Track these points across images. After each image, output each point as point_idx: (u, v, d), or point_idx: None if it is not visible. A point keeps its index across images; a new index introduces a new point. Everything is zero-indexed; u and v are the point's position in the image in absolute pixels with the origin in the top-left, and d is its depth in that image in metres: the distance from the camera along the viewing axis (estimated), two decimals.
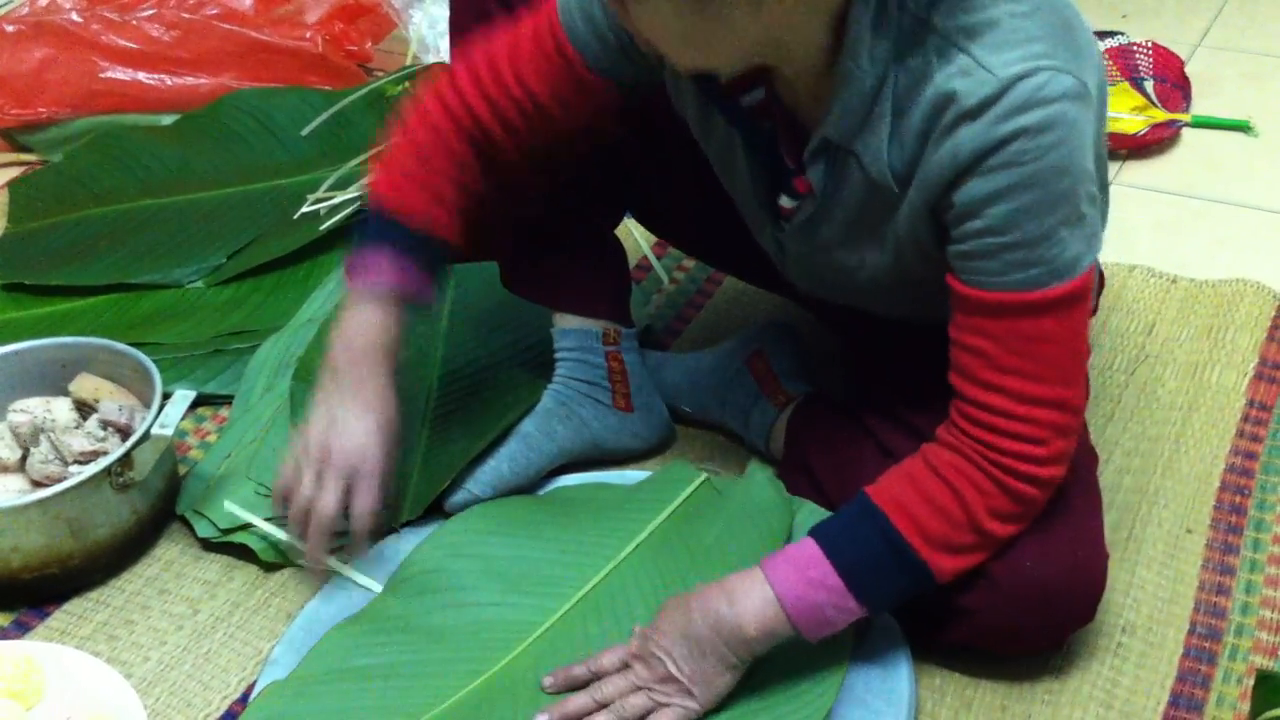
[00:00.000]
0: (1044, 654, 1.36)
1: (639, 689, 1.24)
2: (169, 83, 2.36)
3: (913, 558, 1.20)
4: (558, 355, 1.61)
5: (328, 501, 1.33)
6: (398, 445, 1.38)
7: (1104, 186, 1.23)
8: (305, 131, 2.16)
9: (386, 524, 1.47)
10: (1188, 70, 2.41)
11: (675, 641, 1.22)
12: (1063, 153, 1.10)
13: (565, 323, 1.60)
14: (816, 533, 1.22)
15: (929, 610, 1.30)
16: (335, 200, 2.01)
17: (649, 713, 1.23)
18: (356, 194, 2.01)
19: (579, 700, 1.25)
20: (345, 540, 1.43)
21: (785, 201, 1.31)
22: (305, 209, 2.00)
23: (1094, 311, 1.49)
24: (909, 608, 1.30)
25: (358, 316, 1.36)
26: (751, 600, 1.20)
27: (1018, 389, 1.16)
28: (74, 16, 2.37)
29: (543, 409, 1.58)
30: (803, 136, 1.24)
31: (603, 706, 1.24)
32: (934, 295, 1.21)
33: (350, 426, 1.34)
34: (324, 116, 2.16)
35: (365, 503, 1.34)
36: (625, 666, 1.26)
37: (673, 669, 1.22)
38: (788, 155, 1.28)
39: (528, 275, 1.61)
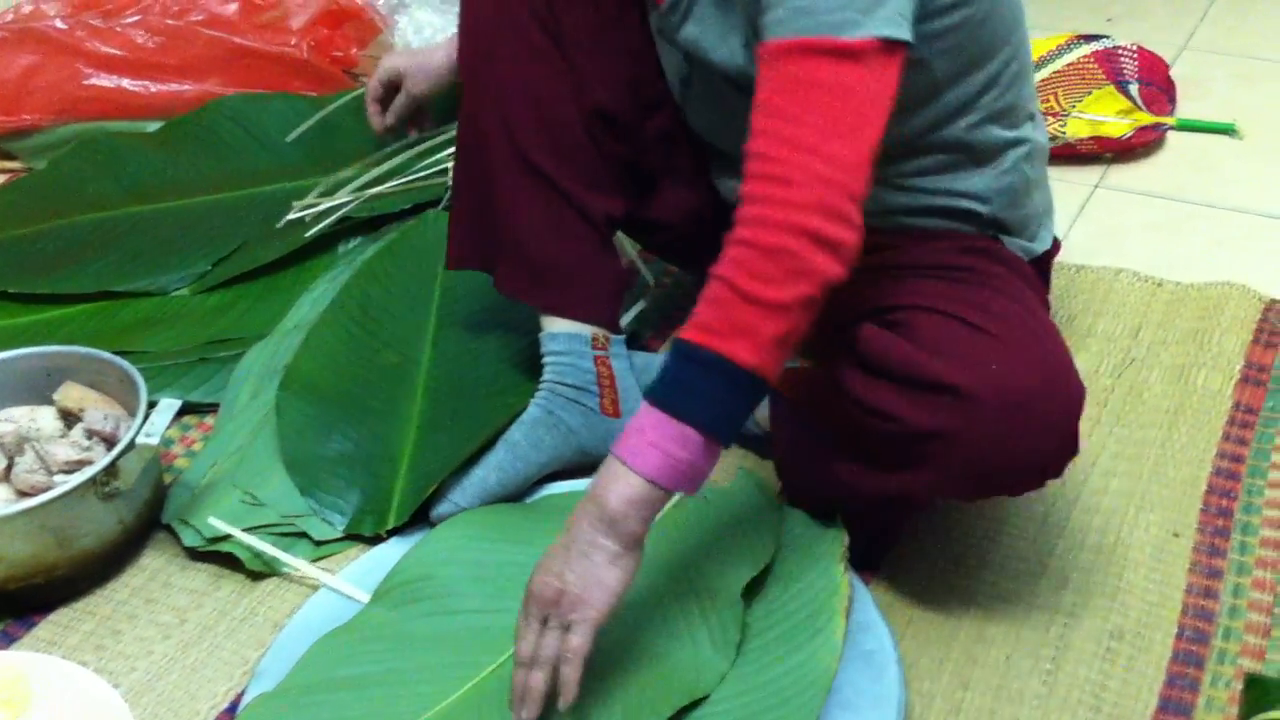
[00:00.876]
0: (1038, 651, 1.36)
1: (543, 627, 1.21)
2: (154, 89, 2.36)
3: (707, 355, 1.16)
4: (545, 359, 1.61)
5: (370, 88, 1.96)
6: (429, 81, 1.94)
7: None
8: (291, 138, 2.15)
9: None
10: (1173, 73, 2.41)
11: (553, 560, 1.21)
12: None
13: (554, 326, 1.60)
14: (644, 391, 1.22)
15: (908, 448, 1.28)
16: (321, 207, 2.00)
17: (562, 642, 1.20)
18: (345, 200, 2.01)
19: (515, 677, 1.22)
20: (334, 550, 1.45)
21: None
22: (291, 216, 2.00)
23: (1048, 288, 1.55)
24: (894, 463, 1.30)
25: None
26: (608, 481, 1.19)
27: (779, 130, 1.16)
28: (58, 23, 2.37)
29: (530, 418, 1.58)
30: None
31: (532, 665, 1.21)
32: None
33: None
34: (310, 122, 2.16)
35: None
36: (525, 616, 1.23)
37: (557, 584, 1.19)
38: None
39: (520, 274, 1.60)
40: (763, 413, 1.58)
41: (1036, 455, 1.28)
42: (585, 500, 1.21)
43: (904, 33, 1.19)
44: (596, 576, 1.20)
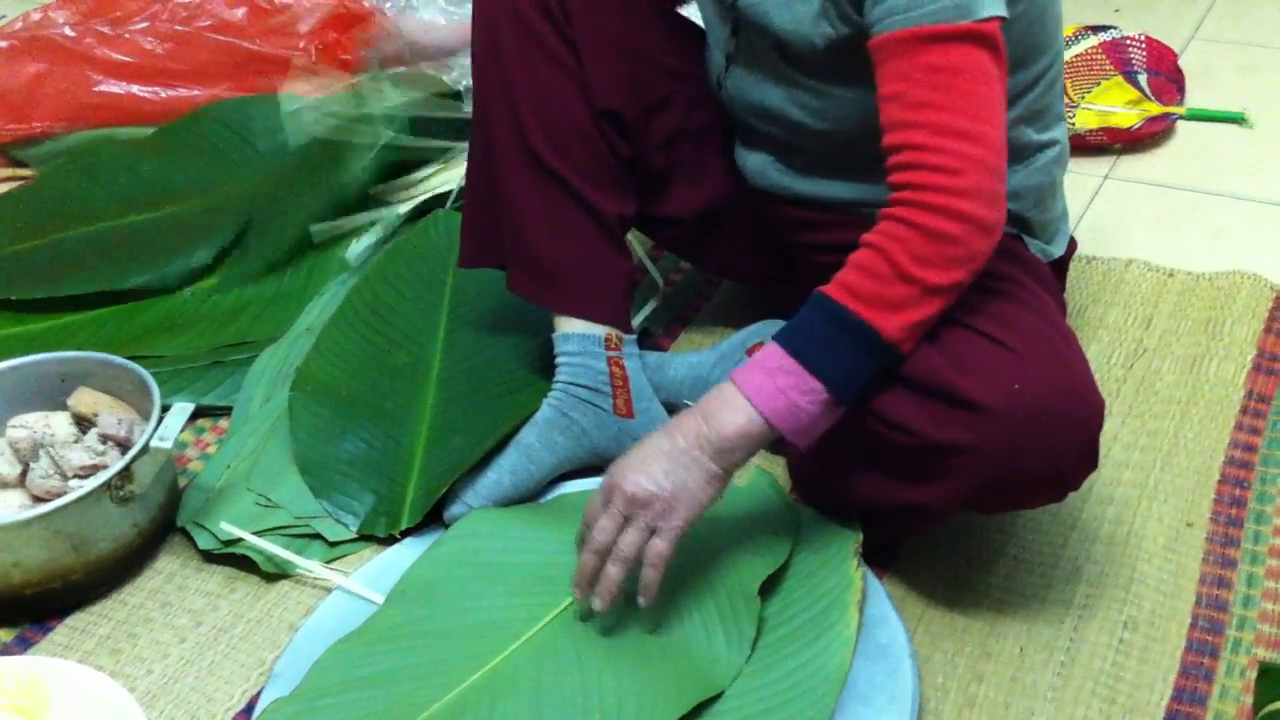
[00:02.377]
0: (1053, 643, 1.36)
1: (626, 523, 1.26)
2: (163, 95, 2.36)
3: (853, 320, 1.21)
4: (558, 360, 1.60)
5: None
6: None
7: None
8: (294, 144, 2.12)
9: None
10: (1181, 63, 2.41)
11: (650, 464, 1.25)
12: None
13: (567, 327, 1.60)
14: (777, 333, 1.26)
15: (926, 461, 1.29)
16: (342, 228, 2.01)
17: (645, 544, 1.25)
18: (364, 221, 2.02)
19: (585, 561, 1.28)
20: (348, 551, 1.47)
21: None
22: (316, 239, 2.02)
23: (1063, 289, 1.56)
24: (912, 475, 1.31)
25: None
26: (725, 408, 1.24)
27: (931, 120, 1.21)
28: (67, 31, 2.37)
29: (543, 419, 1.58)
30: None
31: (606, 555, 1.26)
32: (850, 105, 1.34)
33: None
34: (314, 129, 2.13)
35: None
36: (608, 505, 1.27)
37: (653, 487, 1.24)
38: None
39: (532, 276, 1.60)
40: None
41: (1056, 470, 1.29)
42: (692, 417, 1.26)
43: (1005, 9, 1.24)
44: (692, 491, 1.25)
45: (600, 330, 1.59)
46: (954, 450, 1.25)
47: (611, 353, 1.59)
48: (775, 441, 1.53)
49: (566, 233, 1.57)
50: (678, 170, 1.64)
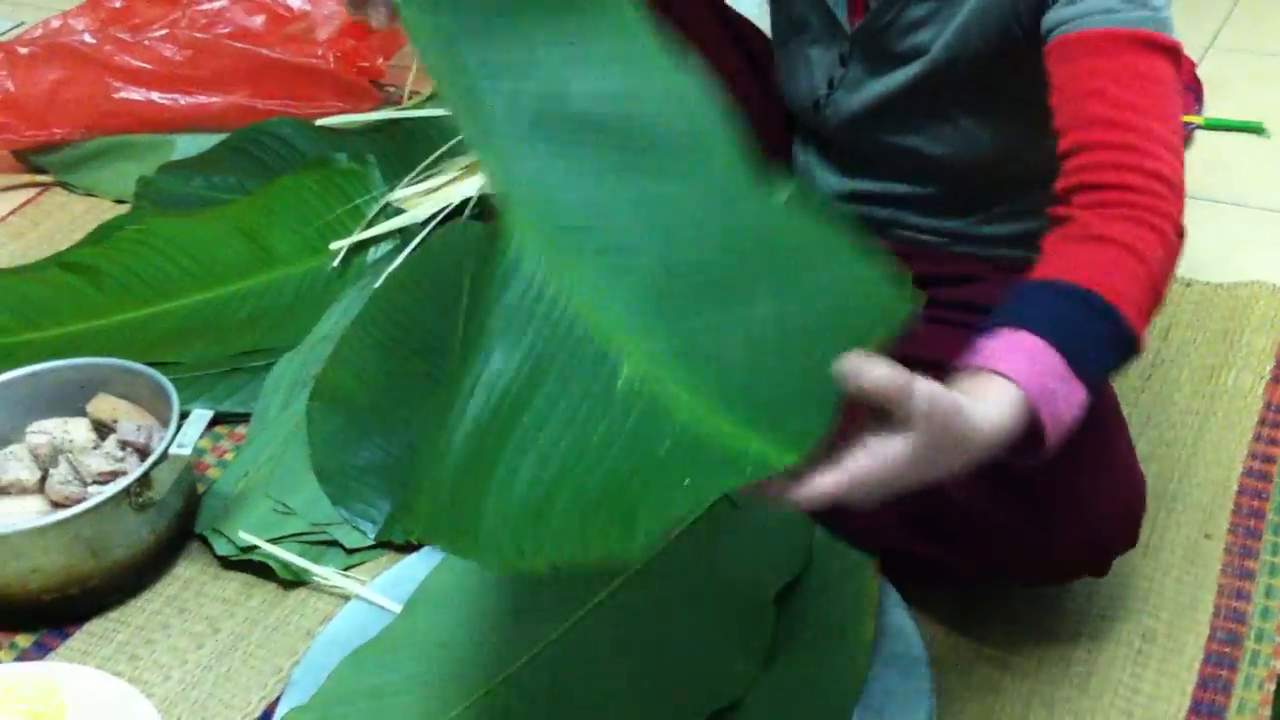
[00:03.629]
0: (1069, 655, 1.36)
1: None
2: (182, 102, 2.37)
3: (1121, 320, 1.06)
4: None
5: None
6: None
7: None
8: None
9: None
10: (1199, 72, 2.40)
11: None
12: None
13: None
14: (1006, 320, 1.03)
15: (962, 534, 1.29)
16: (356, 238, 2.03)
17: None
18: (383, 233, 2.03)
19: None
20: (366, 558, 1.47)
21: None
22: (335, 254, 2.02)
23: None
24: (944, 537, 1.31)
25: None
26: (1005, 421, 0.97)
27: (1138, 123, 1.15)
28: (86, 38, 2.38)
29: None
30: None
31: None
32: (973, 134, 1.29)
33: None
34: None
35: None
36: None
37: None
38: None
39: None
40: None
41: (1093, 555, 1.30)
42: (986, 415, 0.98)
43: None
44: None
45: None
46: (991, 530, 1.26)
47: None
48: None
49: None
50: None
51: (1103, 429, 1.27)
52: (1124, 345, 1.07)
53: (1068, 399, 1.01)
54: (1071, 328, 1.03)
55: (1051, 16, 1.22)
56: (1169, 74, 1.18)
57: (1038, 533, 1.24)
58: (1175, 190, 1.14)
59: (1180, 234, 1.15)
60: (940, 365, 1.33)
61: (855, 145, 1.49)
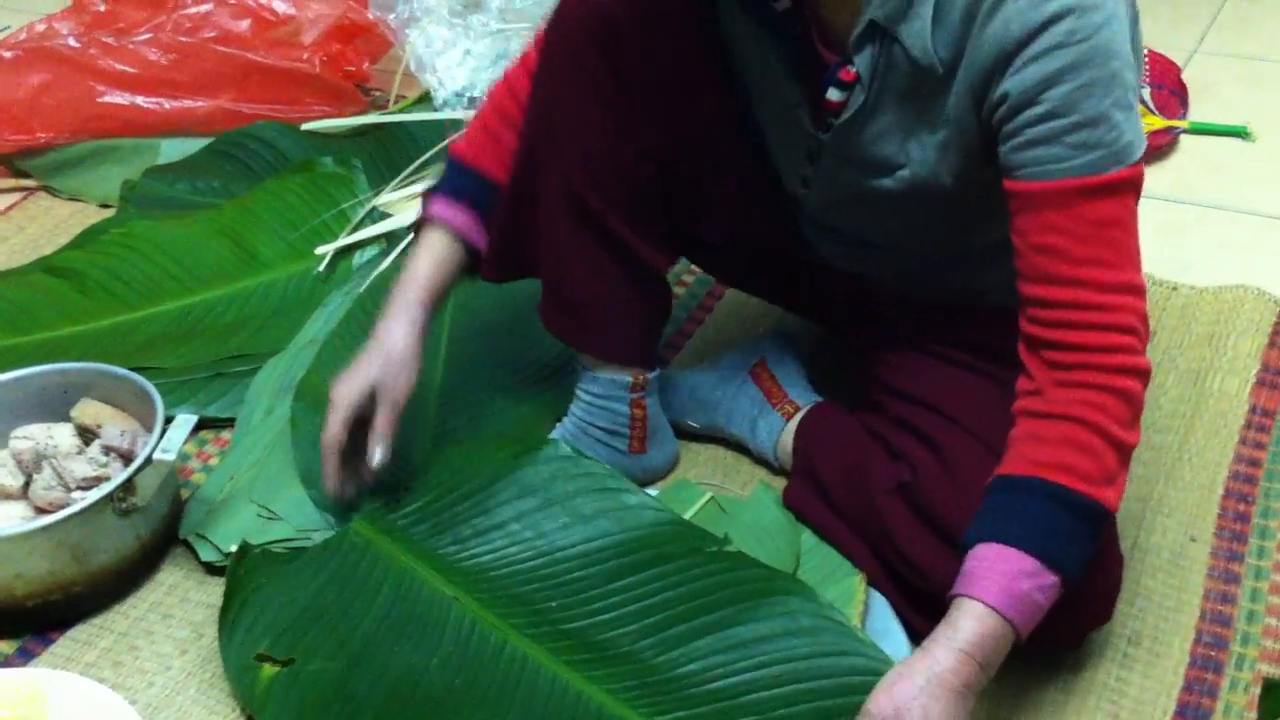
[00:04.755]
0: (1056, 657, 1.36)
1: None
2: (167, 105, 2.36)
3: (1086, 503, 1.17)
4: (581, 396, 1.58)
5: (327, 437, 1.46)
6: (409, 379, 1.48)
7: (1138, 57, 1.25)
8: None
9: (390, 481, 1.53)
10: (1184, 76, 2.41)
11: (921, 694, 1.12)
12: (1110, 33, 1.14)
13: (594, 367, 1.56)
14: (985, 534, 1.18)
15: (943, 606, 1.29)
16: (340, 244, 2.02)
17: None
18: (368, 237, 2.03)
19: None
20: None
21: (833, 94, 1.31)
22: (320, 260, 2.01)
23: None
24: (922, 607, 1.32)
25: (416, 254, 1.51)
26: (976, 627, 1.14)
27: (1096, 278, 1.17)
28: (71, 41, 2.37)
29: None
30: (835, 36, 1.28)
31: None
32: (958, 215, 1.26)
33: (354, 369, 1.47)
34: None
35: (372, 438, 1.46)
36: None
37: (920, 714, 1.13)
38: (826, 53, 1.30)
39: (566, 316, 1.55)
40: (786, 447, 1.57)
41: (1070, 629, 1.32)
42: (970, 666, 1.14)
43: (1144, 141, 1.20)
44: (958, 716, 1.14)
45: (628, 375, 1.56)
46: None
47: (635, 395, 1.57)
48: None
49: (607, 279, 1.50)
50: (722, 207, 1.56)
51: None
52: (1090, 517, 1.18)
53: (1041, 588, 1.15)
54: (1030, 525, 1.17)
55: (1006, 157, 1.20)
56: (1126, 210, 1.19)
57: None
58: (1138, 332, 1.19)
59: (1145, 376, 1.20)
60: (930, 405, 1.36)
61: (838, 225, 1.48)
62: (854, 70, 1.27)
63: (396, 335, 1.47)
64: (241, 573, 1.42)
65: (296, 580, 1.42)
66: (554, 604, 1.37)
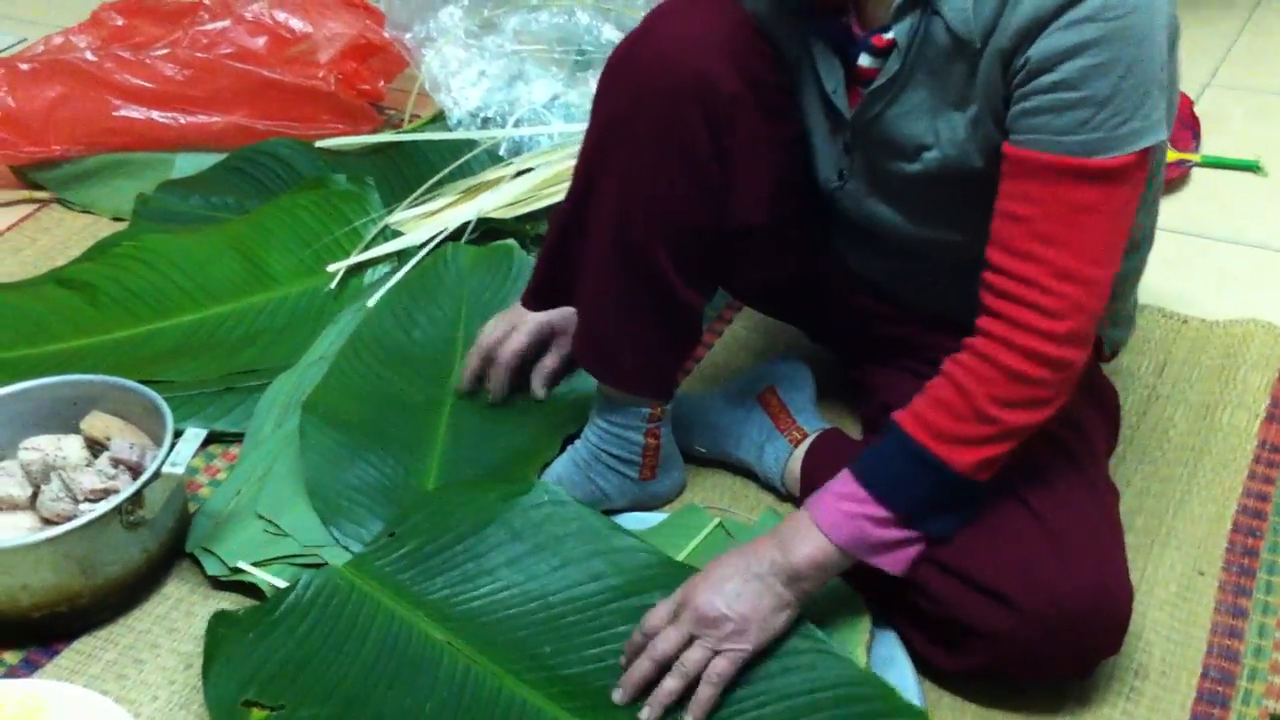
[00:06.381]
0: (1063, 689, 1.36)
1: (693, 638, 1.26)
2: (182, 121, 2.37)
3: (928, 456, 1.23)
4: (597, 422, 1.57)
5: (507, 352, 1.66)
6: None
7: (1173, 84, 1.25)
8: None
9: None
10: (1197, 110, 2.41)
11: (724, 584, 1.25)
12: (1142, 19, 1.14)
13: (615, 396, 1.54)
14: (853, 463, 1.28)
15: (951, 633, 1.31)
16: (352, 260, 2.02)
17: (708, 662, 1.25)
18: (380, 254, 2.03)
19: (640, 666, 1.27)
20: None
21: (865, 60, 1.32)
22: (333, 275, 2.01)
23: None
24: (930, 631, 1.32)
25: None
26: (798, 537, 1.26)
27: (1053, 259, 1.18)
28: (88, 55, 2.38)
29: (566, 474, 1.56)
30: (872, 16, 1.30)
31: (664, 667, 1.26)
32: (977, 211, 1.25)
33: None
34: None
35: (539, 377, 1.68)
36: (675, 618, 1.27)
37: (724, 609, 1.25)
38: (861, 33, 1.32)
39: (596, 350, 1.52)
40: (793, 474, 1.57)
41: (1078, 660, 1.33)
42: (770, 544, 1.27)
43: (1163, 132, 1.20)
44: (762, 616, 1.26)
45: (647, 407, 1.55)
46: (979, 634, 1.28)
47: (652, 425, 1.56)
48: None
49: (643, 319, 1.48)
50: (766, 237, 1.53)
51: (1094, 539, 1.30)
52: (931, 469, 1.24)
53: (874, 519, 1.25)
54: (877, 461, 1.26)
55: (1010, 120, 1.22)
56: (1112, 200, 1.19)
57: (1022, 639, 1.26)
58: (1067, 321, 1.19)
59: (1059, 365, 1.21)
60: None
61: (871, 225, 1.48)
62: (889, 37, 1.28)
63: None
64: (220, 634, 1.39)
65: (280, 629, 1.39)
66: (548, 649, 1.36)
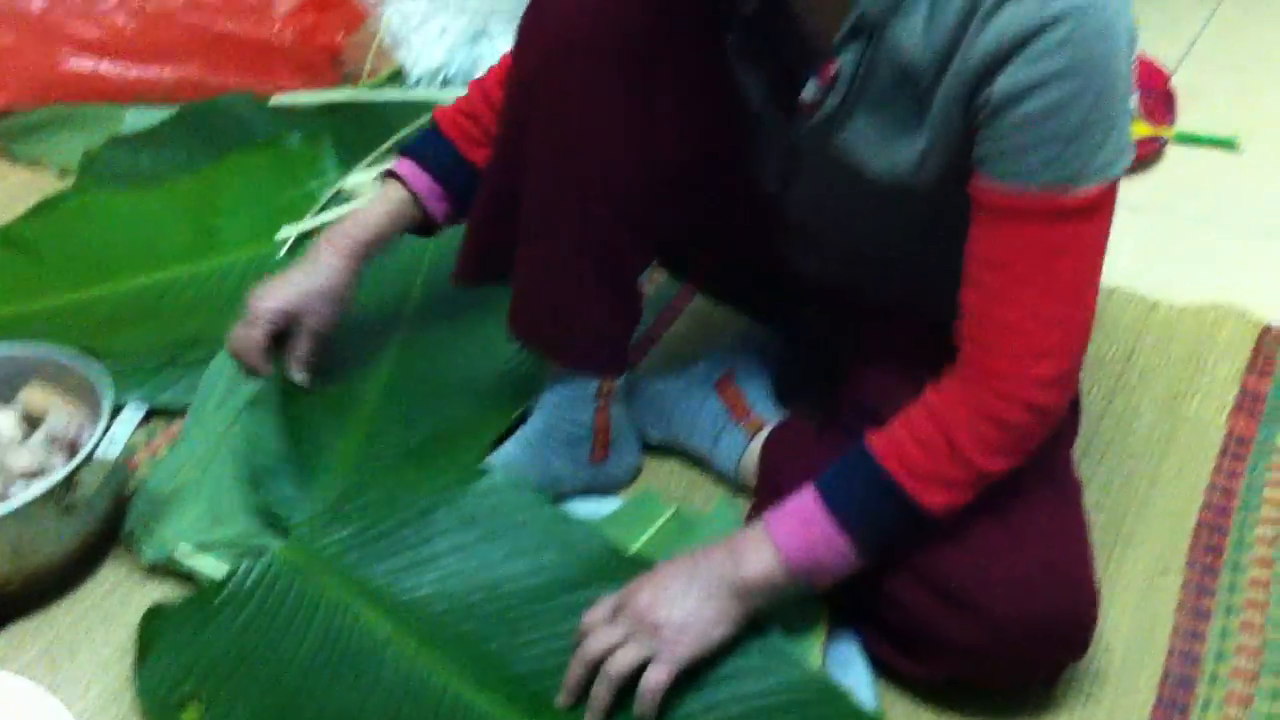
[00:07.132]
0: (1022, 693, 1.33)
1: (628, 640, 1.21)
2: (132, 73, 2.31)
3: (901, 493, 1.19)
4: (545, 403, 1.52)
5: (239, 345, 1.57)
6: (332, 313, 1.57)
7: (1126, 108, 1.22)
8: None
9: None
10: (1173, 83, 2.37)
11: (670, 586, 1.22)
12: (1107, 45, 1.09)
13: (562, 374, 1.50)
14: (817, 481, 1.23)
15: (916, 640, 1.28)
16: (301, 228, 1.97)
17: (639, 665, 1.21)
18: (323, 222, 1.96)
19: (574, 670, 1.24)
20: None
21: (808, 93, 1.27)
22: (280, 244, 1.96)
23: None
24: (893, 638, 1.30)
25: (372, 202, 1.57)
26: (752, 550, 1.22)
27: (1028, 301, 1.15)
28: (36, 3, 2.31)
29: (515, 458, 1.51)
30: (814, 38, 1.24)
31: (593, 669, 1.22)
32: (942, 218, 1.22)
33: (275, 287, 1.56)
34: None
35: (292, 364, 1.58)
36: (614, 617, 1.24)
37: (663, 612, 1.21)
38: (805, 54, 1.27)
39: (536, 323, 1.48)
40: (748, 466, 1.54)
41: (1043, 665, 1.30)
42: (722, 553, 1.23)
43: (1131, 154, 1.16)
44: (702, 626, 1.21)
45: (595, 382, 1.51)
46: (944, 642, 1.25)
47: (600, 401, 1.52)
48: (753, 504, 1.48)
49: (586, 287, 1.43)
50: (709, 215, 1.51)
51: (1059, 539, 1.27)
52: (902, 508, 1.20)
53: (834, 550, 1.21)
54: (848, 492, 1.22)
55: (976, 154, 1.16)
56: (1081, 234, 1.15)
57: (987, 645, 1.23)
58: (1052, 362, 1.16)
59: (1042, 412, 1.18)
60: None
61: (818, 230, 1.44)
62: (834, 71, 1.22)
63: (325, 267, 1.55)
64: (154, 627, 1.35)
65: (217, 620, 1.35)
66: (494, 646, 1.32)
